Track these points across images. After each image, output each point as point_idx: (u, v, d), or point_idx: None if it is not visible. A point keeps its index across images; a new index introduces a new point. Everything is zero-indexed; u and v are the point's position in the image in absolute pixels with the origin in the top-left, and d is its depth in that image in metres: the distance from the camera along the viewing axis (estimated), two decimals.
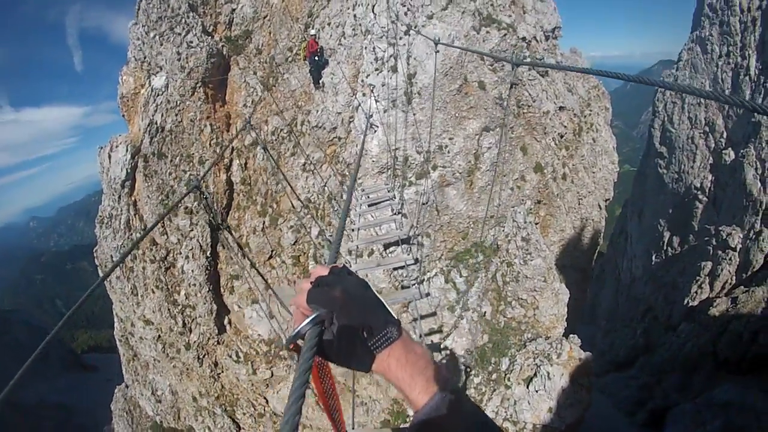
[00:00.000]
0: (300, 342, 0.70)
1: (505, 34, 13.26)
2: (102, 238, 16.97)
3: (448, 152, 11.31)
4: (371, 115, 11.28)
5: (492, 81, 12.37)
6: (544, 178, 12.82)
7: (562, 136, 15.44)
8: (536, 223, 12.14)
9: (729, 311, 17.40)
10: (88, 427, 41.27)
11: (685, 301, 21.67)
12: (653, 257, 31.81)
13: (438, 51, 5.35)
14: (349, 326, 0.71)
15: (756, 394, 12.59)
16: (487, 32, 13.04)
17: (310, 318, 0.70)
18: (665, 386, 17.76)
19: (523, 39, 14.27)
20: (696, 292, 21.35)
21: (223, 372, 15.85)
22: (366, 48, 12.73)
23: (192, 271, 14.86)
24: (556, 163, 14.45)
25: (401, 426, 12.06)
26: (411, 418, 0.72)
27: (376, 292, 0.79)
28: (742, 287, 18.21)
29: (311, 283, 0.78)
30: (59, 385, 49.30)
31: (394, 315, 0.77)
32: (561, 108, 15.71)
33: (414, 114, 10.87)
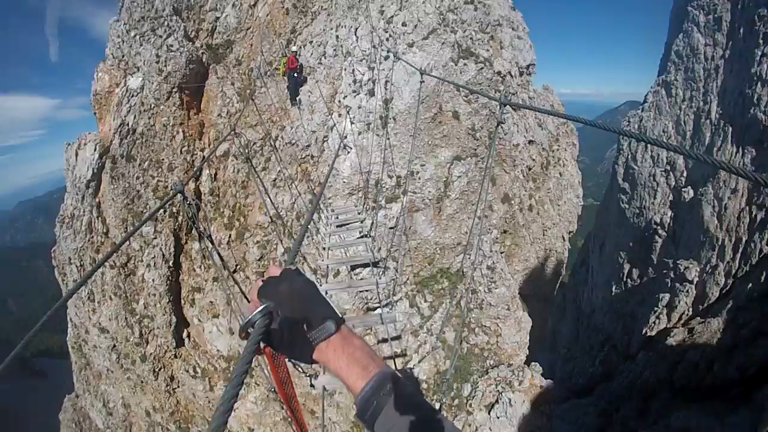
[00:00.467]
0: (251, 331, 0.76)
1: (481, 68, 13.75)
2: (62, 238, 16.27)
3: (419, 178, 11.54)
4: (345, 136, 11.40)
5: (466, 112, 12.76)
6: (511, 209, 13.21)
7: (530, 169, 16.00)
8: (501, 252, 12.46)
9: (686, 341, 18.13)
10: None
11: (644, 331, 22.43)
12: (613, 288, 32.93)
13: (423, 81, 5.48)
14: (290, 318, 0.78)
15: (712, 421, 13.04)
16: (465, 64, 13.49)
17: (258, 309, 0.75)
18: (624, 413, 18.25)
19: (499, 73, 14.82)
20: (654, 323, 22.14)
21: (179, 387, 15.28)
22: (345, 69, 12.92)
23: (153, 280, 14.39)
24: (523, 194, 14.92)
25: None
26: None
27: (321, 291, 0.85)
28: (698, 318, 19.04)
29: (262, 280, 0.85)
30: (4, 390, 46.20)
31: (337, 312, 0.83)
32: (530, 141, 16.32)
33: (388, 138, 11.07)
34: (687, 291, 20.94)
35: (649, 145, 33.84)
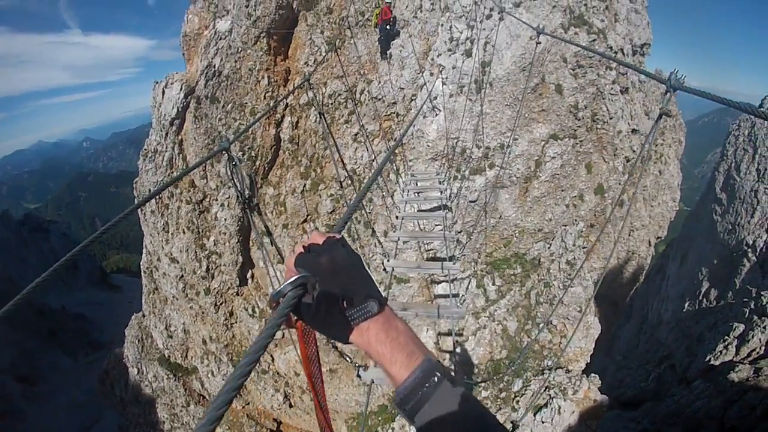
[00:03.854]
0: (282, 300, 0.70)
1: (594, 40, 12.12)
2: (144, 171, 17.29)
3: (509, 153, 10.54)
4: (435, 97, 10.60)
5: (571, 87, 11.35)
6: (603, 202, 11.84)
7: (628, 161, 14.26)
8: (583, 248, 11.28)
9: (749, 380, 16.45)
10: (103, 343, 44.07)
11: (707, 358, 20.70)
12: (686, 305, 30.46)
13: (539, 42, 4.57)
14: (329, 293, 0.71)
15: None
16: (575, 33, 11.94)
17: (292, 279, 0.70)
18: None
19: (611, 48, 13.07)
20: (720, 352, 20.36)
21: (236, 323, 16.06)
22: (442, 26, 11.93)
23: (225, 219, 14.90)
24: (616, 186, 13.37)
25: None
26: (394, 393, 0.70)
27: (366, 267, 0.78)
28: None
29: (303, 248, 0.78)
30: (83, 298, 52.72)
31: (380, 292, 0.75)
32: (634, 131, 14.46)
33: (481, 104, 10.11)
34: (764, 327, 18.85)
35: (756, 157, 29.78)
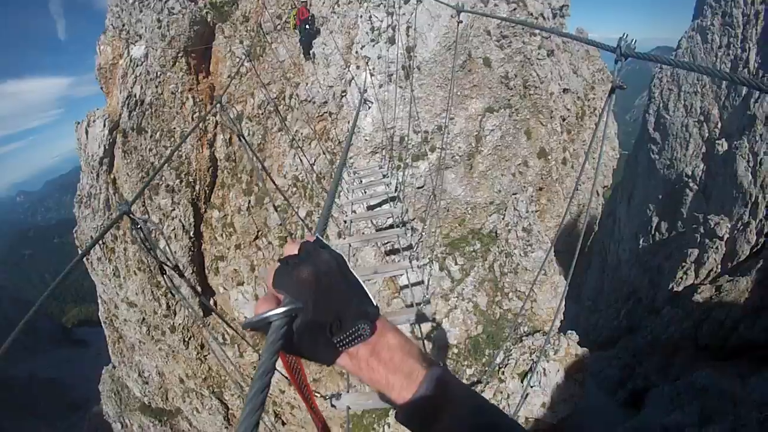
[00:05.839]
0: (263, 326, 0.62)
1: (515, 8, 12.34)
2: (81, 218, 16.18)
3: (448, 133, 10.59)
4: (365, 90, 10.45)
5: (498, 58, 11.51)
6: (548, 165, 12.19)
7: (564, 120, 14.75)
8: (536, 211, 11.59)
9: (712, 299, 17.83)
10: (80, 403, 41.41)
11: (670, 286, 22.22)
12: (641, 241, 32.46)
13: (461, 21, 4.33)
14: (315, 322, 0.62)
15: (733, 381, 12.81)
16: (495, 4, 12.08)
17: (282, 310, 0.60)
18: (646, 368, 18.22)
19: (531, 15, 13.38)
20: (681, 278, 21.90)
21: (209, 354, 15.46)
22: (361, 17, 11.74)
23: (175, 252, 14.20)
24: (557, 147, 13.81)
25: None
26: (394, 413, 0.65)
27: (350, 268, 0.68)
28: (726, 276, 18.61)
29: (280, 261, 0.67)
30: (50, 360, 49.22)
31: (371, 300, 0.66)
32: (565, 90, 14.96)
33: (412, 90, 10.06)
34: (716, 247, 20.28)
35: (681, 94, 31.87)
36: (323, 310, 0.62)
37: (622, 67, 1.81)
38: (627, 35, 1.86)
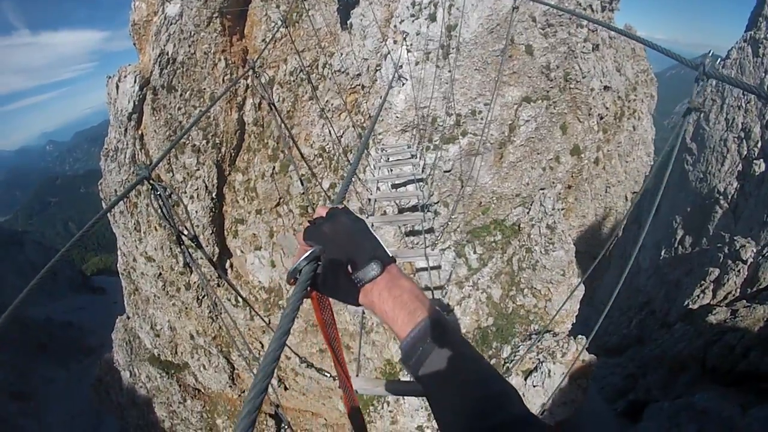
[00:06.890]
0: (298, 276, 0.73)
1: None
2: (107, 171, 16.47)
3: (482, 119, 10.25)
4: (401, 66, 10.15)
5: (542, 47, 11.00)
6: (579, 163, 11.75)
7: (602, 118, 14.17)
8: (562, 209, 11.25)
9: (726, 322, 17.33)
10: (94, 348, 43.34)
11: (685, 303, 21.70)
12: (662, 252, 31.54)
13: (517, 7, 3.99)
14: (334, 260, 0.73)
15: (734, 408, 12.48)
16: None
17: (306, 254, 0.73)
18: (649, 381, 17.97)
19: (579, 5, 12.72)
20: (698, 296, 21.33)
21: (221, 314, 15.82)
22: None
23: (196, 211, 14.39)
24: (591, 146, 13.31)
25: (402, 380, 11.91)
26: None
27: (370, 228, 0.79)
28: (744, 301, 18.01)
29: (309, 222, 0.81)
30: (67, 305, 51.42)
31: (386, 251, 0.76)
32: (606, 87, 14.31)
33: (449, 71, 9.72)
34: (738, 270, 19.59)
35: (724, 107, 30.34)
36: (338, 251, 0.73)
37: (703, 88, 1.54)
38: (712, 52, 1.57)
